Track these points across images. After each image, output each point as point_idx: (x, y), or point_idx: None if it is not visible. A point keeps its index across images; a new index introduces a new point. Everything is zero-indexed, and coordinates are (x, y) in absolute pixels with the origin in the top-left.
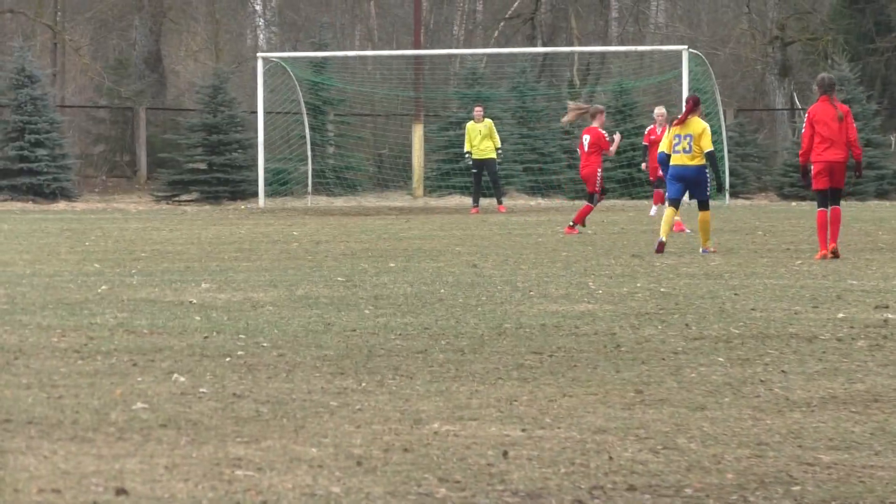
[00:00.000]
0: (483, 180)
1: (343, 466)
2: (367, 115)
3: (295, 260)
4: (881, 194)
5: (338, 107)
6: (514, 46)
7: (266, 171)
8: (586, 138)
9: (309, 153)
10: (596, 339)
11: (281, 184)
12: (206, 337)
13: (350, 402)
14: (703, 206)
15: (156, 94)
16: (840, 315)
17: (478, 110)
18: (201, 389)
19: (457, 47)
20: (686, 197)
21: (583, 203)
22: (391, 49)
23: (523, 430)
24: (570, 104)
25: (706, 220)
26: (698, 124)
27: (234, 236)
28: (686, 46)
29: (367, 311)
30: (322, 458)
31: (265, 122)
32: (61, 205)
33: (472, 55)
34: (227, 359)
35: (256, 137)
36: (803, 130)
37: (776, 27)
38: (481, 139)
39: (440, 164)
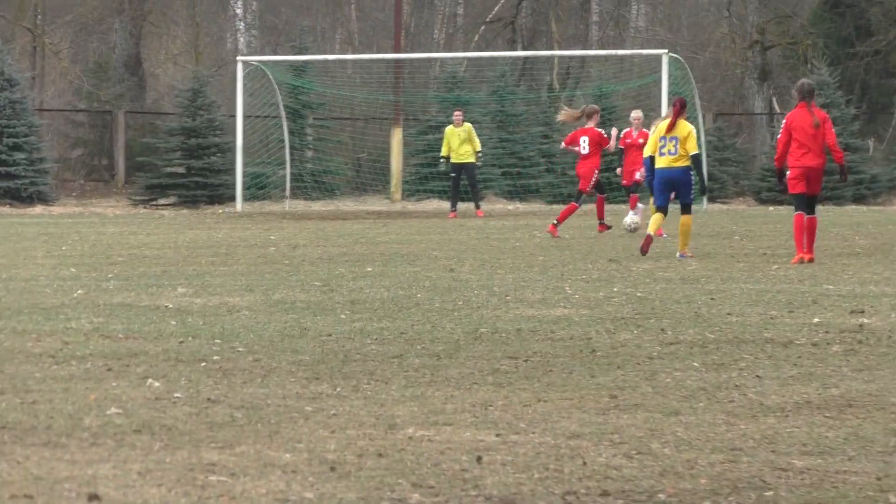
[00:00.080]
0: (461, 184)
1: (317, 472)
2: (346, 119)
3: (272, 264)
4: (858, 199)
5: (317, 110)
6: (494, 50)
7: (244, 175)
8: (584, 139)
9: (287, 157)
10: (571, 343)
11: (259, 188)
12: (181, 342)
13: (325, 408)
14: (686, 209)
15: (135, 97)
16: (815, 320)
17: (457, 114)
18: (176, 394)
19: (437, 51)
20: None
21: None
22: (371, 53)
23: (498, 436)
24: (563, 111)
25: (687, 224)
26: (685, 127)
27: (212, 240)
28: (666, 50)
29: (343, 316)
30: (296, 464)
31: (244, 126)
32: (38, 209)
33: (452, 59)
34: (203, 364)
35: (235, 141)
36: (779, 136)
37: (756, 31)
38: (460, 143)
39: (418, 168)
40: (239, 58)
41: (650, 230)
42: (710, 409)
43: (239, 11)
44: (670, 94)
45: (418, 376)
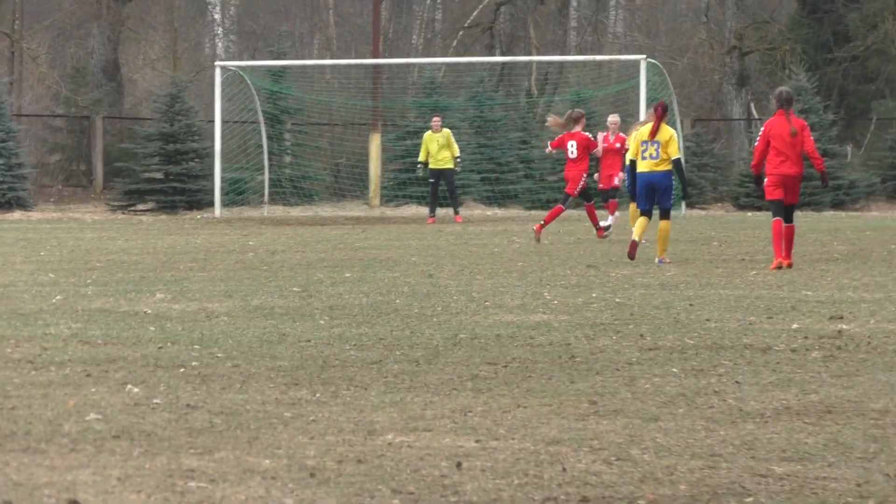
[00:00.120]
0: (440, 190)
1: (296, 478)
2: (324, 125)
3: (250, 270)
4: (837, 205)
5: (295, 116)
6: (472, 55)
7: (223, 180)
8: (572, 144)
9: (266, 162)
10: (551, 349)
11: (237, 193)
12: (160, 347)
13: (304, 413)
14: (665, 214)
15: (113, 102)
16: (794, 326)
17: (436, 120)
18: (155, 400)
19: (415, 56)
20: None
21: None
22: (350, 58)
23: (477, 442)
24: (551, 117)
25: (666, 229)
26: (666, 131)
27: (190, 246)
28: (644, 56)
29: (322, 322)
30: (275, 470)
31: (222, 132)
32: (17, 214)
33: (430, 64)
34: (182, 369)
35: (213, 147)
36: (757, 143)
37: (734, 37)
38: (439, 149)
39: (397, 173)
40: (217, 63)
41: (636, 235)
42: (689, 415)
43: (217, 17)
44: (648, 99)
45: (397, 382)
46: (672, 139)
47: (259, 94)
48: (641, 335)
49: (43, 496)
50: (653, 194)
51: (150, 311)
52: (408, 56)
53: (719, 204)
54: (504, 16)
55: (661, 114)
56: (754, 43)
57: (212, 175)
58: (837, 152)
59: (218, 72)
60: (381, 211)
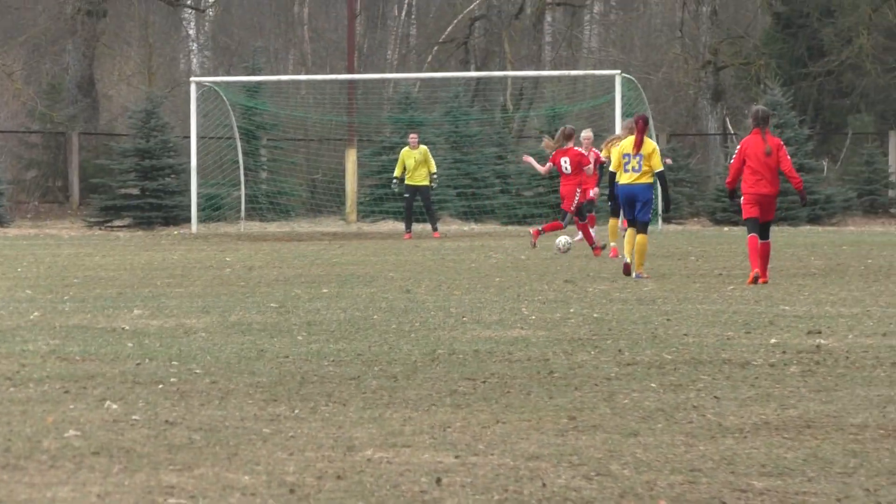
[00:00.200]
0: (417, 206)
1: (276, 494)
2: (300, 140)
3: (228, 286)
4: (813, 220)
5: (271, 131)
6: (447, 71)
7: (199, 196)
8: (565, 160)
9: (242, 178)
10: (529, 364)
11: (214, 209)
12: (138, 364)
13: (283, 430)
14: (643, 228)
15: (88, 118)
16: (773, 340)
17: (413, 137)
18: (134, 417)
19: (390, 72)
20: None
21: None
22: (325, 73)
23: (456, 457)
24: (545, 140)
25: (643, 243)
26: (649, 144)
27: (167, 262)
28: (619, 71)
29: (300, 338)
30: (255, 486)
31: (198, 147)
32: None
33: (405, 79)
34: (160, 386)
35: (189, 162)
36: (732, 161)
37: (709, 52)
38: (416, 166)
39: (373, 189)
40: (192, 78)
41: (626, 255)
42: (668, 430)
43: (191, 32)
44: (623, 114)
45: (376, 398)
46: (655, 152)
47: (234, 110)
48: (620, 350)
49: None
50: (633, 206)
51: (127, 328)
52: (383, 71)
53: (696, 219)
54: (479, 31)
55: (643, 126)
56: (729, 58)
57: (188, 191)
58: (813, 167)
59: (193, 87)
60: (358, 226)
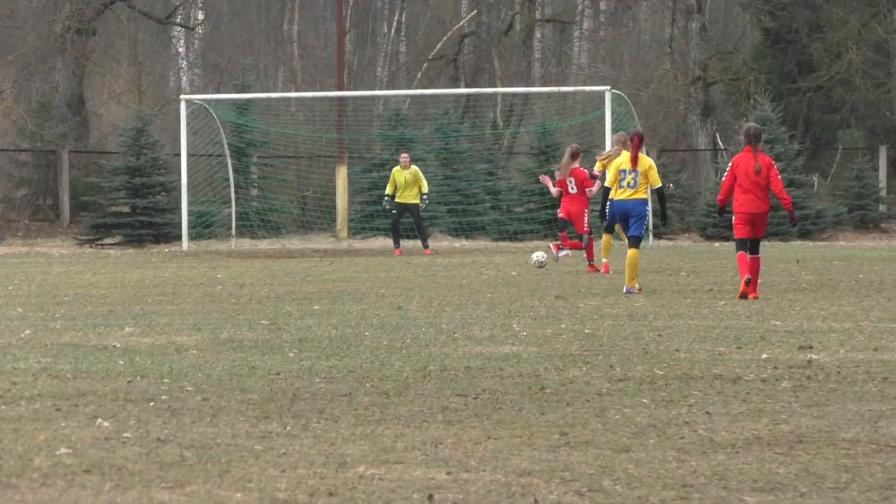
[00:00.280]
0: (403, 221)
1: None
2: (290, 157)
3: (219, 303)
4: (804, 234)
5: (261, 149)
6: (437, 87)
7: (190, 213)
8: (570, 180)
9: (233, 195)
10: (521, 381)
11: (204, 226)
12: (129, 381)
13: (275, 446)
14: (634, 242)
15: (78, 136)
16: (764, 356)
17: (404, 157)
18: (125, 434)
19: (380, 89)
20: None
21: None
22: (314, 91)
23: (448, 473)
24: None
25: (634, 258)
26: (645, 160)
27: (158, 280)
28: (609, 87)
29: (291, 355)
30: (247, 503)
31: (188, 165)
32: None
33: (395, 96)
34: (151, 403)
35: (180, 180)
36: (724, 178)
37: (698, 67)
38: (406, 185)
39: (364, 206)
40: (182, 96)
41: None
42: (660, 446)
43: (181, 50)
44: (613, 130)
45: (368, 414)
46: (652, 168)
47: (224, 128)
48: (611, 366)
49: None
50: (627, 221)
51: (119, 345)
52: (372, 88)
53: (686, 234)
54: (468, 47)
55: (639, 143)
56: (718, 73)
57: (179, 208)
58: (804, 182)
59: (183, 105)
60: (349, 243)
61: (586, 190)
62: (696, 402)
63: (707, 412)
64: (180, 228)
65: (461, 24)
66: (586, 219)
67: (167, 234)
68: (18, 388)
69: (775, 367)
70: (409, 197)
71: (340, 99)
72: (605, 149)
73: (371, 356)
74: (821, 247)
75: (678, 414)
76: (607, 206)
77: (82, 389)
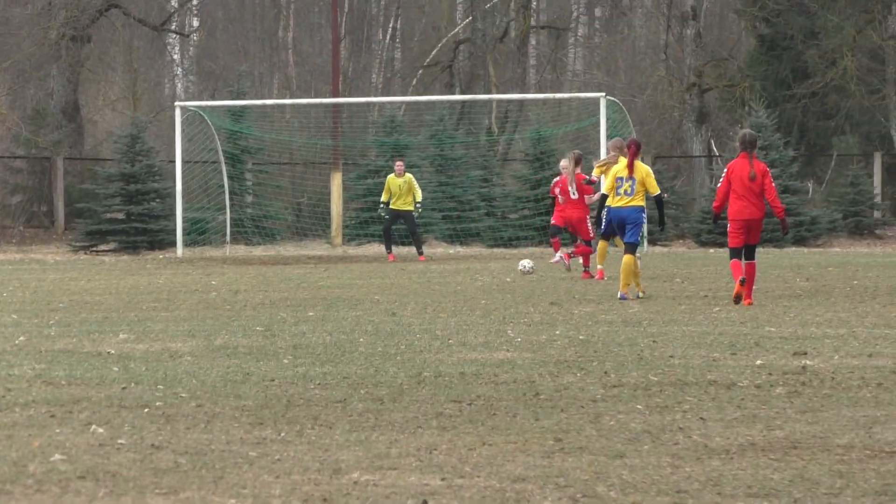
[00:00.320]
0: (399, 228)
1: None
2: (285, 164)
3: (213, 310)
4: (799, 241)
5: (256, 155)
6: (432, 94)
7: (184, 220)
8: (572, 185)
9: (227, 202)
10: (515, 387)
11: (199, 233)
12: (124, 388)
13: (269, 453)
14: (630, 248)
15: (73, 143)
16: (758, 362)
17: (398, 165)
18: (119, 440)
19: (375, 95)
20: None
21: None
22: (309, 97)
23: (443, 480)
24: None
25: (629, 264)
26: (642, 168)
27: (153, 286)
28: (604, 93)
29: (286, 361)
30: None
31: (183, 172)
32: None
33: (390, 103)
34: (146, 409)
35: (174, 187)
36: (720, 184)
37: (693, 74)
38: (401, 193)
39: (359, 212)
40: (177, 103)
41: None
42: (654, 452)
43: (176, 57)
44: (609, 137)
45: (362, 421)
46: (649, 175)
47: (219, 134)
48: (605, 372)
49: None
50: (624, 228)
51: (113, 352)
52: (367, 95)
53: (681, 241)
54: (463, 54)
55: (636, 151)
56: (713, 80)
57: (173, 215)
58: (798, 189)
59: (178, 112)
60: (344, 250)
61: (584, 196)
62: (690, 408)
63: (701, 418)
64: (175, 235)
65: (456, 30)
66: (589, 224)
67: (162, 241)
68: (13, 395)
69: (770, 373)
70: (404, 204)
71: (335, 105)
72: (600, 155)
73: (366, 362)
74: (816, 253)
75: (673, 420)
76: (604, 214)
77: (77, 396)
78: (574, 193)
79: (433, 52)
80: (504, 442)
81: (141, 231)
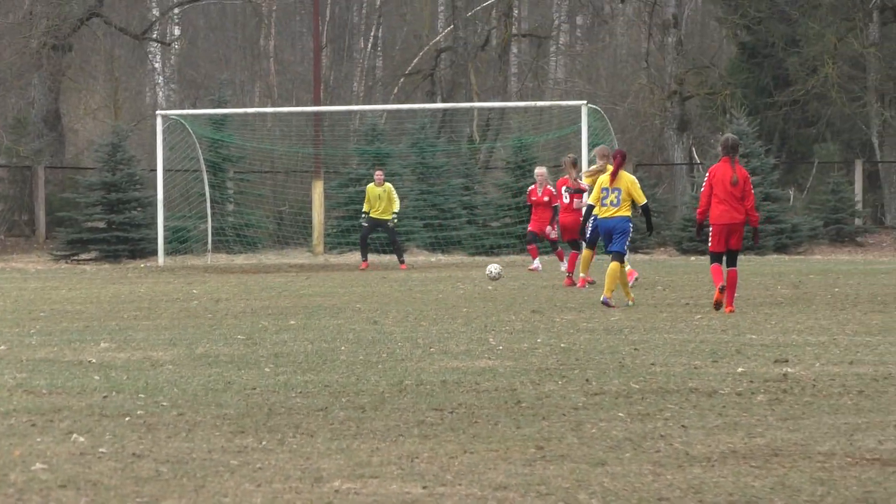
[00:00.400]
0: (380, 236)
1: None
2: (266, 172)
3: (195, 318)
4: (780, 248)
5: (237, 164)
6: (413, 102)
7: (165, 229)
8: (566, 188)
9: (209, 211)
10: (496, 395)
11: (181, 242)
12: (105, 396)
13: (251, 461)
14: (618, 257)
15: (54, 152)
16: (740, 369)
17: (378, 174)
18: (101, 449)
19: (356, 103)
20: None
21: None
22: (291, 106)
23: (424, 488)
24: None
25: (615, 270)
26: (627, 178)
27: (134, 295)
28: (585, 101)
29: (267, 369)
30: None
31: (165, 180)
32: None
33: (371, 111)
34: (127, 418)
35: (156, 195)
36: (703, 188)
37: (674, 82)
38: (379, 202)
39: (340, 220)
40: (158, 112)
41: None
42: (636, 460)
43: (157, 65)
44: (590, 144)
45: (344, 429)
46: (635, 185)
47: (201, 143)
48: (587, 380)
49: None
50: (610, 237)
51: (94, 361)
52: (349, 103)
53: (662, 248)
54: (444, 62)
55: (620, 161)
56: (695, 88)
57: (154, 224)
58: (780, 196)
59: (159, 120)
60: (325, 258)
61: (574, 201)
62: (671, 415)
63: (683, 426)
64: (156, 244)
65: (437, 38)
66: (549, 228)
67: (143, 250)
68: None
69: (751, 381)
70: (384, 213)
71: (317, 114)
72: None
73: (347, 371)
74: (797, 261)
75: (654, 427)
76: (589, 224)
77: (58, 405)
78: (567, 197)
79: (414, 61)
80: (486, 450)
81: (122, 240)
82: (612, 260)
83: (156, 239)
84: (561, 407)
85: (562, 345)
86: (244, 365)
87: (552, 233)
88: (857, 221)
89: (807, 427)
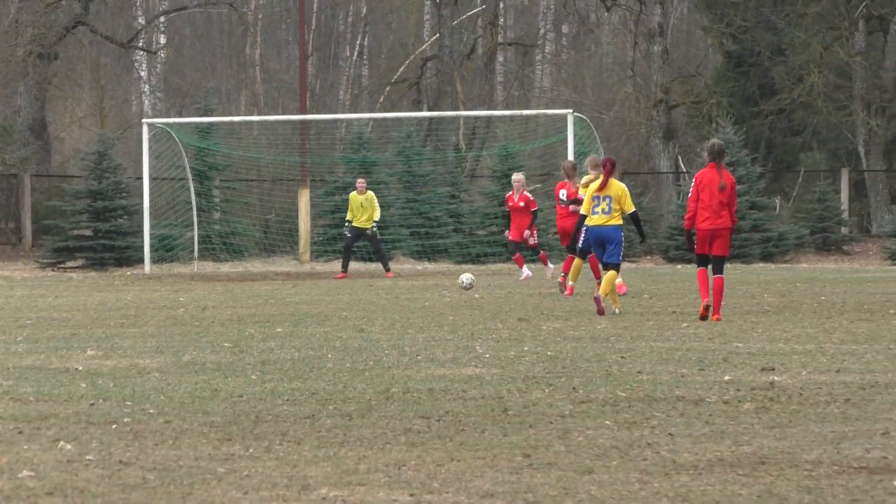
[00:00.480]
0: (361, 245)
1: None
2: (252, 181)
3: (181, 326)
4: (766, 257)
5: (223, 172)
6: (399, 111)
7: (152, 237)
8: (563, 192)
9: (195, 219)
10: (483, 402)
11: (167, 250)
12: (92, 404)
13: (237, 469)
14: (614, 268)
15: (41, 160)
16: (726, 377)
17: (360, 182)
18: (88, 457)
19: (342, 112)
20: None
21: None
22: (277, 114)
23: (411, 495)
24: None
25: (612, 277)
26: (617, 186)
27: (120, 303)
28: (571, 110)
29: (254, 377)
30: None
31: (151, 188)
32: None
33: (357, 120)
34: (114, 426)
35: (142, 203)
36: (689, 195)
37: (660, 90)
38: (363, 210)
39: (327, 229)
40: (144, 120)
41: (605, 299)
42: (623, 468)
43: (143, 74)
44: (576, 153)
45: (330, 437)
46: (625, 193)
47: (187, 151)
48: (574, 388)
49: None
50: (604, 247)
51: (81, 368)
52: (335, 112)
53: (649, 257)
54: (430, 71)
55: (610, 169)
56: (680, 97)
57: (141, 232)
58: (765, 205)
59: (145, 129)
60: (312, 266)
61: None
62: (658, 423)
63: (670, 434)
64: (143, 251)
65: (423, 47)
66: (527, 233)
67: (129, 258)
68: None
69: (738, 389)
70: (367, 221)
71: (303, 122)
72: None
73: (334, 378)
74: (783, 269)
75: (641, 436)
76: (581, 233)
77: (44, 412)
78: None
79: (400, 69)
80: (472, 458)
81: (108, 248)
82: (608, 270)
83: (142, 247)
84: (548, 415)
85: (549, 353)
86: (231, 372)
87: (531, 238)
88: (844, 230)
89: (794, 435)
